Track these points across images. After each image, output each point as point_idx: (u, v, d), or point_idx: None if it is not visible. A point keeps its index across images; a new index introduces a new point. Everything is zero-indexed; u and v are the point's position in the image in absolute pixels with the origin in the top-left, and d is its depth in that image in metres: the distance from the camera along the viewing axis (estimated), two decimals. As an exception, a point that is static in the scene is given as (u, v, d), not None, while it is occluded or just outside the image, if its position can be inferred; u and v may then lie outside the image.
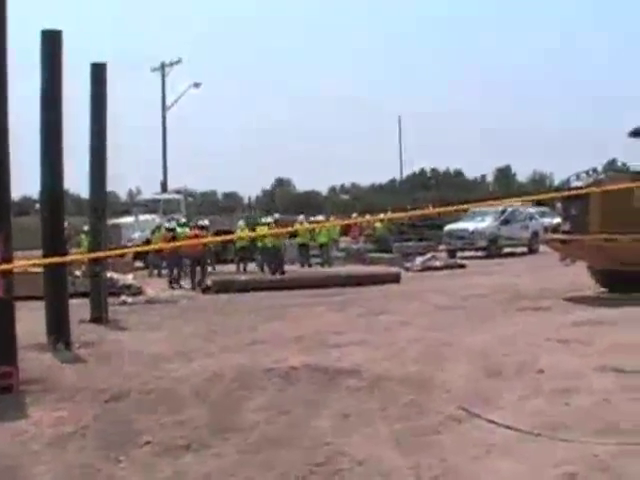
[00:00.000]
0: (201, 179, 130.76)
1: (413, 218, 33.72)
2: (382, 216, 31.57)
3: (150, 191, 39.91)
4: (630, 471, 4.64)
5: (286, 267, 25.81)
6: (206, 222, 24.22)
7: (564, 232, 14.43)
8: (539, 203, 32.81)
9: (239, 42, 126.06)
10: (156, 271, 25.17)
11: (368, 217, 33.24)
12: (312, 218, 32.52)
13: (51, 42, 9.83)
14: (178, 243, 20.72)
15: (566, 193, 14.09)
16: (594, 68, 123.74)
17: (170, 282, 20.82)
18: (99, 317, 12.34)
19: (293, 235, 28.21)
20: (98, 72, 12.32)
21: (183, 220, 27.73)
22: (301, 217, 30.07)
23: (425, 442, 5.33)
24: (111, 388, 7.23)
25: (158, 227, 27.69)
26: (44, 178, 9.96)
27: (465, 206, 32.34)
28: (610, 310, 11.82)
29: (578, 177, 14.13)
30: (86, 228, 20.72)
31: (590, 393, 6.54)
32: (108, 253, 14.12)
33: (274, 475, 4.76)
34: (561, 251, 14.75)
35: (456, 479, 4.60)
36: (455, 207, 31.59)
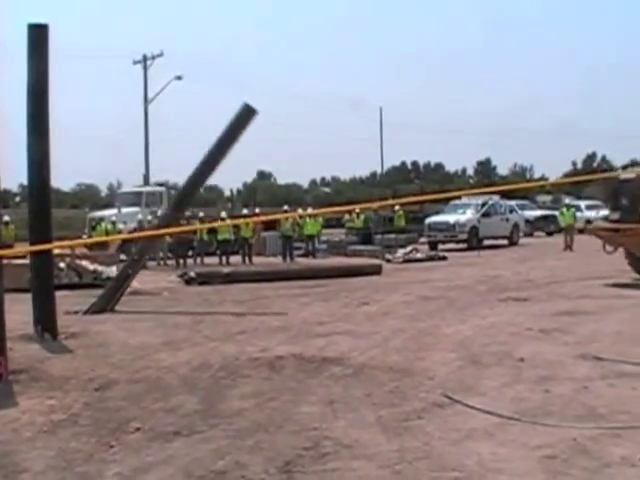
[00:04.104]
0: (182, 172, 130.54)
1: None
2: (370, 205, 31.76)
3: (132, 184, 39.78)
4: (608, 453, 4.80)
5: (268, 259, 26.14)
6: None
7: (613, 221, 14.98)
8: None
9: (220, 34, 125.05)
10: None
11: (357, 206, 33.30)
12: (300, 210, 32.50)
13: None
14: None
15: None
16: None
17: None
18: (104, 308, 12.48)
19: (273, 227, 28.54)
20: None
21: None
22: (285, 207, 30.06)
23: (409, 427, 5.47)
24: (100, 377, 7.33)
25: (98, 222, 29.41)
26: None
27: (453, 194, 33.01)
28: (589, 301, 12.08)
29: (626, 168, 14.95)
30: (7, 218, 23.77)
31: (569, 380, 6.74)
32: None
33: (262, 459, 4.86)
34: (608, 240, 15.29)
35: (439, 461, 4.73)
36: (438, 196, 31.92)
